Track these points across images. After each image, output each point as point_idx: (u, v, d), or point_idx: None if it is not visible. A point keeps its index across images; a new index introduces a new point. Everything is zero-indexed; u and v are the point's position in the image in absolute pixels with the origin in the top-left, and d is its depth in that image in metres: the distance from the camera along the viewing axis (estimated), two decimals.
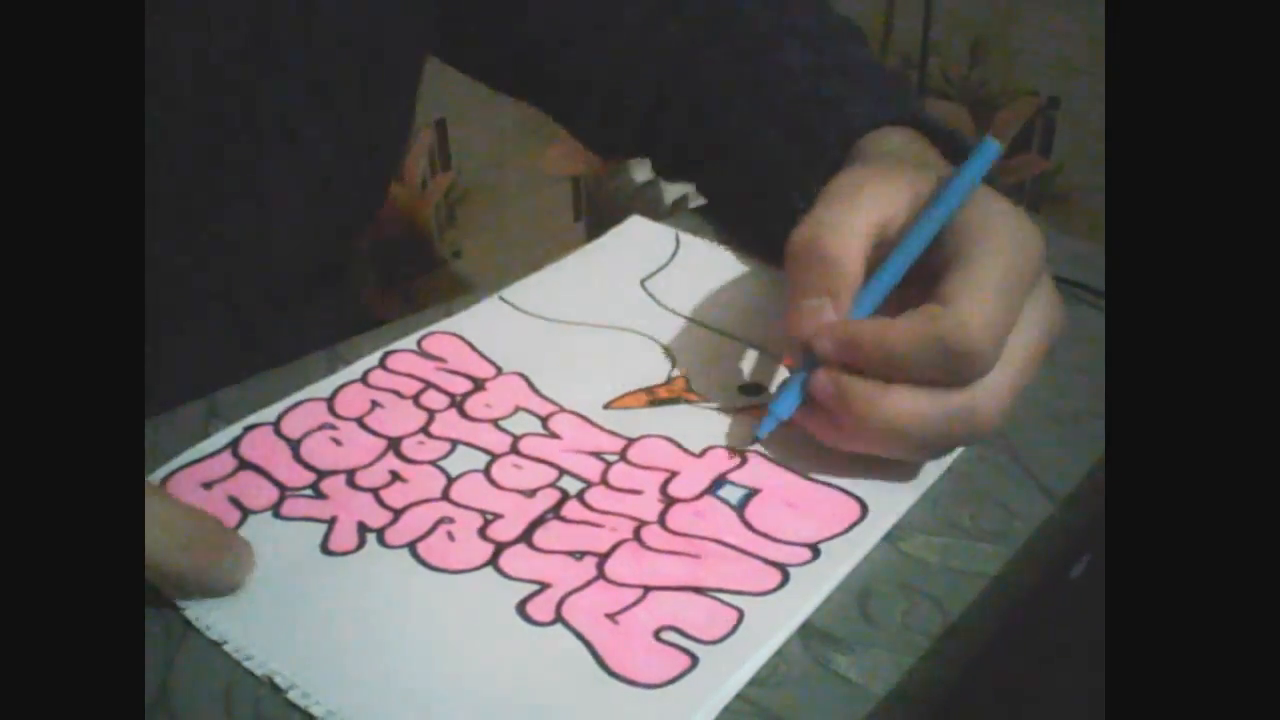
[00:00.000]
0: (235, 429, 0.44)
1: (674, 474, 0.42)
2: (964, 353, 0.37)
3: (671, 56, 0.58)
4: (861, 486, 0.41)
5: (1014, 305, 0.38)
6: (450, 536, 0.39)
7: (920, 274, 0.40)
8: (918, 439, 0.38)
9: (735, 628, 0.35)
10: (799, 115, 0.52)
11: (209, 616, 0.36)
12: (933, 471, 0.42)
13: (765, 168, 0.53)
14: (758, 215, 0.54)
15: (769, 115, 0.54)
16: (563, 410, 0.45)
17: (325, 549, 0.39)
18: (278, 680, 0.34)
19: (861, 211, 0.40)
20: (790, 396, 0.41)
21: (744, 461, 0.42)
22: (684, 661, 0.34)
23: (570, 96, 0.63)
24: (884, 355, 0.38)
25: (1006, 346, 0.38)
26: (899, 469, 0.41)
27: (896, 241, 0.40)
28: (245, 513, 0.40)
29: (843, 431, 0.40)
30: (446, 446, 0.43)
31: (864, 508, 0.40)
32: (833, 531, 0.39)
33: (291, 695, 0.33)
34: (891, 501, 0.40)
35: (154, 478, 0.42)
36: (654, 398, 0.46)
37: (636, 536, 0.39)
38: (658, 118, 0.59)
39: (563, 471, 0.42)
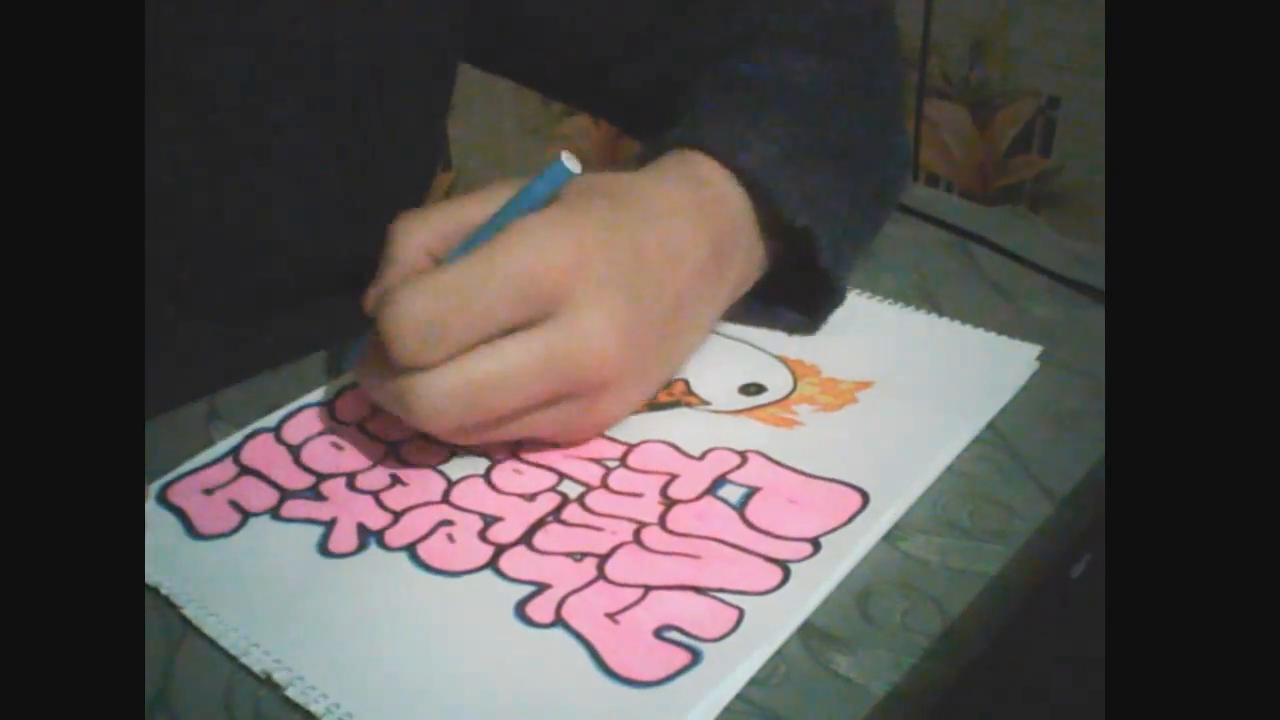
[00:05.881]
0: (236, 437, 0.44)
1: (674, 477, 0.41)
2: (383, 332, 0.38)
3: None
4: (862, 478, 0.41)
5: (454, 307, 0.37)
6: (450, 538, 0.39)
7: None
8: (380, 403, 0.41)
9: (736, 626, 0.35)
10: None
11: (208, 616, 0.36)
12: (935, 463, 0.42)
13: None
14: None
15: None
16: None
17: (324, 550, 0.39)
18: (277, 677, 0.34)
19: (444, 210, 0.42)
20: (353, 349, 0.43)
21: (744, 461, 0.42)
22: (684, 658, 0.34)
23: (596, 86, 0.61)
24: None
25: (474, 355, 0.38)
26: (900, 461, 0.41)
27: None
28: (245, 515, 0.40)
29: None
30: (446, 451, 0.43)
31: (865, 498, 0.40)
32: (833, 524, 0.39)
33: (290, 692, 0.33)
34: (893, 491, 0.40)
35: (155, 485, 0.42)
36: (654, 402, 0.46)
37: (636, 538, 0.39)
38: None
39: (563, 476, 0.42)
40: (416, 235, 0.42)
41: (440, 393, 0.38)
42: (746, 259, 0.47)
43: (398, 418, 0.45)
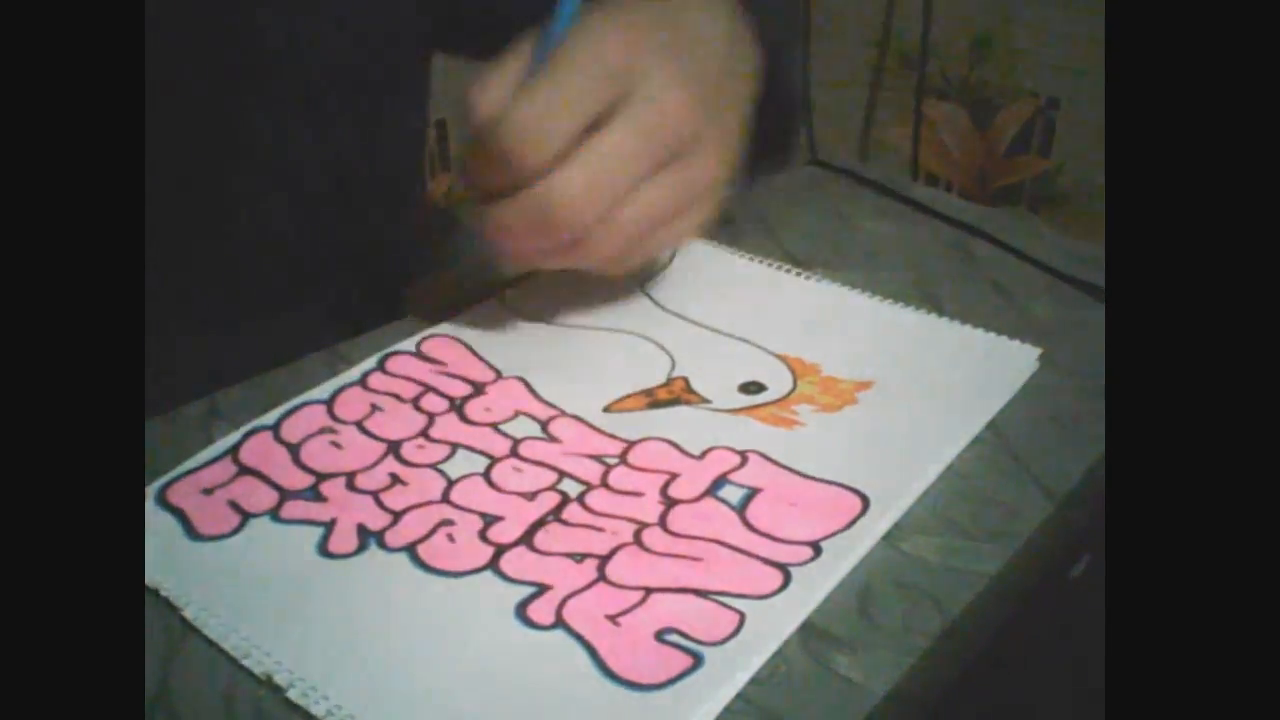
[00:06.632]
0: (235, 436, 0.44)
1: (674, 476, 0.42)
2: (505, 148, 0.42)
3: None
4: (862, 481, 0.41)
5: (553, 106, 0.42)
6: (450, 538, 0.39)
7: None
8: (514, 234, 0.45)
9: (737, 630, 0.35)
10: None
11: (209, 616, 0.36)
12: (935, 465, 0.42)
13: None
14: None
15: None
16: (563, 414, 0.45)
17: (324, 551, 0.39)
18: (277, 678, 0.34)
19: (501, 67, 0.45)
20: None
21: (744, 462, 0.42)
22: (686, 661, 0.34)
23: None
24: None
25: (586, 145, 0.42)
26: (900, 462, 0.41)
27: None
28: (245, 516, 0.40)
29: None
30: (446, 450, 0.43)
31: (865, 502, 0.40)
32: (834, 528, 0.39)
33: (291, 694, 0.33)
34: (893, 494, 0.40)
35: (154, 486, 0.42)
36: (653, 400, 0.46)
37: (637, 539, 0.39)
38: None
39: (563, 474, 0.42)
40: (497, 92, 0.44)
41: (573, 187, 0.42)
42: (755, 44, 0.50)
43: (397, 417, 0.45)
